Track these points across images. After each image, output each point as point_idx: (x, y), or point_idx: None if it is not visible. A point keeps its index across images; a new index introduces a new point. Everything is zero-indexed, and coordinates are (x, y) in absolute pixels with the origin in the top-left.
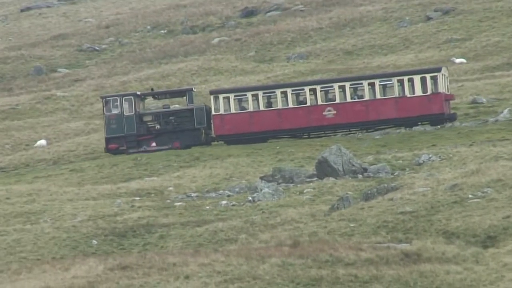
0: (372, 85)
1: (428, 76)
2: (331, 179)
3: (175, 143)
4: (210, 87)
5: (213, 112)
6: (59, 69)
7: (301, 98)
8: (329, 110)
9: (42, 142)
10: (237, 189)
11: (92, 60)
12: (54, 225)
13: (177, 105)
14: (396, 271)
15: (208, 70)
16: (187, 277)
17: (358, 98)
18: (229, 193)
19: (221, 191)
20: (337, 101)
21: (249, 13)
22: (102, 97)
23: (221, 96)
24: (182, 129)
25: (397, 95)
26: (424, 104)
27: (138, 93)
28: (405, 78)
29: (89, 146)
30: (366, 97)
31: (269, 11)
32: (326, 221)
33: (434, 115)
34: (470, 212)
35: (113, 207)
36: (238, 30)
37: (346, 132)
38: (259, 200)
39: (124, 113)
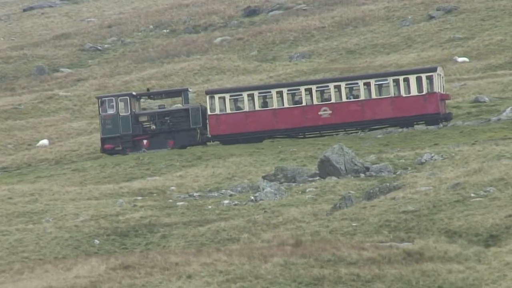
0: (367, 85)
1: (423, 76)
2: (333, 178)
3: (170, 141)
4: (212, 87)
5: (208, 112)
6: (62, 69)
7: (296, 98)
8: (324, 110)
9: (44, 141)
10: (239, 189)
11: (95, 60)
12: (56, 225)
13: (178, 105)
14: (398, 270)
15: (211, 69)
16: (189, 276)
17: (354, 98)
18: (231, 192)
19: (223, 190)
20: (333, 101)
21: (251, 12)
22: (97, 97)
23: (216, 96)
24: (177, 129)
25: (393, 95)
26: (419, 104)
27: (134, 93)
28: (401, 78)
29: (91, 145)
30: (362, 97)
31: (271, 11)
32: (328, 220)
33: (430, 115)
34: (472, 211)
35: (115, 207)
36: (241, 30)
37: (342, 132)
38: (261, 200)
39: (120, 114)
